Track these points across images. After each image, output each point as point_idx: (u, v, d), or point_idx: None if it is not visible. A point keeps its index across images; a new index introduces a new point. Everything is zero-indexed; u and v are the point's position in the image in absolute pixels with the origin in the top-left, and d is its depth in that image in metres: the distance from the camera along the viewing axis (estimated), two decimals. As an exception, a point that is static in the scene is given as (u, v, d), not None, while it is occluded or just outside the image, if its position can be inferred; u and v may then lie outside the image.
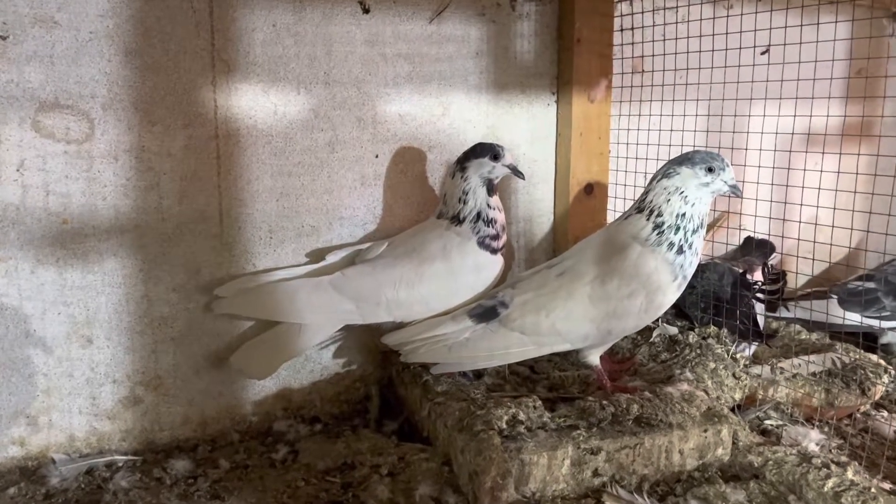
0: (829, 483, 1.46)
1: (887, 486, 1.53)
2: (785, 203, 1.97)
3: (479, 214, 1.80)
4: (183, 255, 1.74)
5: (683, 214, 1.59)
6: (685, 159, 1.61)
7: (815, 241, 1.84)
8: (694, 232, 1.60)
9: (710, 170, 1.59)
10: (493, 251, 1.82)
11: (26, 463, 1.67)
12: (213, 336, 1.79)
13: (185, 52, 1.67)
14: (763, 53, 1.82)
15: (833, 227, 1.76)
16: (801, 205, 1.89)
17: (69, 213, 1.62)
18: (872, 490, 1.44)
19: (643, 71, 2.11)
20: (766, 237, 2.28)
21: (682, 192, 1.59)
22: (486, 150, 1.79)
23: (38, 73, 1.55)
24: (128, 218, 1.67)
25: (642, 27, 2.08)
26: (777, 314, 2.21)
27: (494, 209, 1.82)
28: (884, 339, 2.26)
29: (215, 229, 1.76)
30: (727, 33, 1.88)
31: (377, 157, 1.92)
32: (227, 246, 1.78)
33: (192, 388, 1.79)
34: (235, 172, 1.76)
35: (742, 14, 1.86)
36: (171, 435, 1.79)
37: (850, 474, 1.49)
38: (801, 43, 1.75)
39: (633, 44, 2.09)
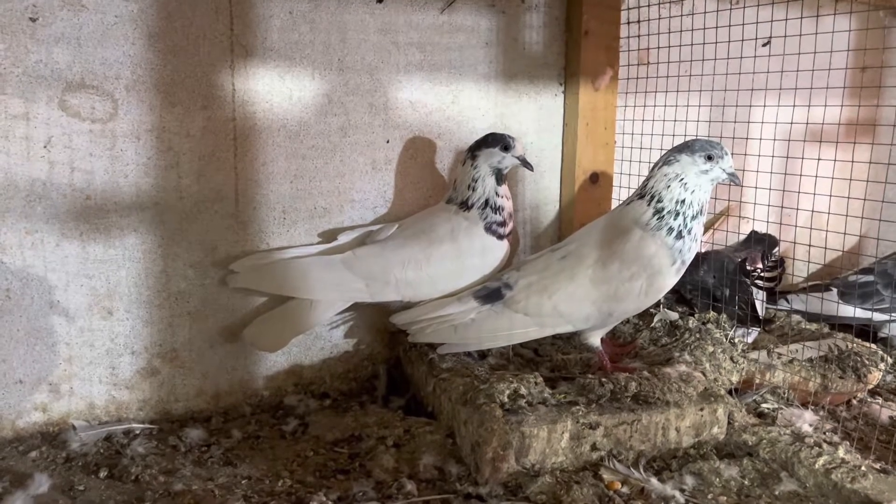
0: (821, 461, 1.51)
1: (878, 465, 1.57)
2: (783, 191, 2.01)
3: (487, 202, 1.86)
4: (200, 232, 1.80)
5: (683, 201, 1.64)
6: (685, 147, 1.66)
7: (815, 229, 1.88)
8: (693, 218, 1.65)
9: (709, 158, 1.63)
10: (500, 237, 1.88)
11: (48, 428, 1.74)
12: (228, 312, 1.86)
13: (204, 36, 1.74)
14: (764, 45, 1.86)
15: (842, 214, 1.79)
16: (803, 192, 1.93)
17: (92, 189, 1.69)
18: (863, 468, 1.49)
19: (649, 63, 2.16)
20: (769, 232, 2.32)
21: (682, 179, 1.64)
22: (498, 141, 1.85)
23: (65, 54, 1.62)
24: (148, 195, 1.74)
25: (648, 20, 2.13)
26: (777, 305, 2.25)
27: (502, 197, 1.88)
28: (883, 332, 2.30)
29: (231, 209, 1.83)
30: (726, 26, 1.92)
31: (388, 142, 1.98)
32: (243, 225, 1.84)
33: (206, 362, 1.86)
34: (251, 154, 1.83)
35: (745, 6, 1.90)
36: (186, 406, 1.85)
37: (841, 453, 1.54)
38: (800, 34, 1.79)
39: (639, 36, 2.14)
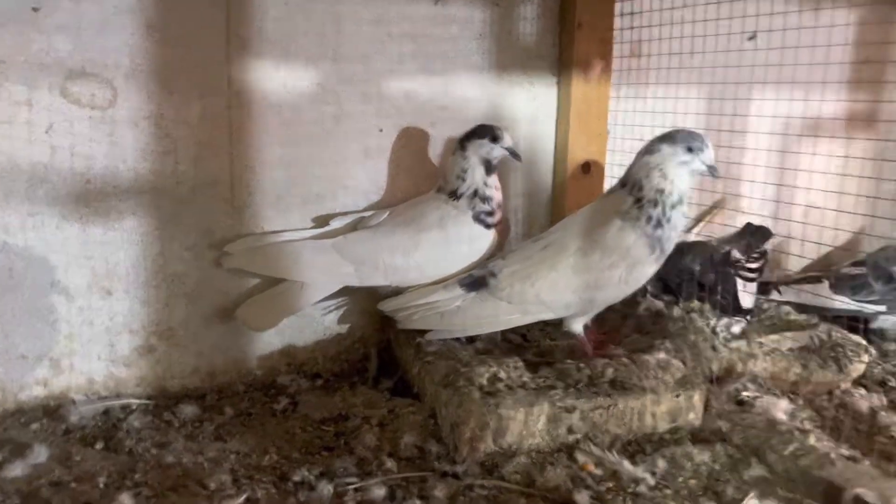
0: (790, 447, 1.54)
1: (848, 453, 1.60)
2: (777, 185, 2.03)
3: (476, 192, 1.90)
4: (196, 216, 1.86)
5: (662, 190, 1.67)
6: (667, 137, 1.69)
7: (808, 224, 1.89)
8: (672, 207, 1.68)
9: (689, 149, 1.66)
10: (488, 226, 1.92)
11: (48, 402, 1.81)
12: (223, 293, 1.92)
13: (202, 27, 1.79)
14: (750, 39, 1.87)
15: (834, 209, 1.80)
16: (798, 187, 1.95)
17: (92, 173, 1.75)
18: (832, 455, 1.52)
19: (642, 55, 2.18)
20: (764, 224, 2.33)
21: (662, 169, 1.67)
22: (486, 132, 1.88)
23: (66, 42, 1.68)
24: (146, 180, 1.80)
25: (642, 12, 2.14)
26: (768, 297, 2.27)
27: (491, 188, 1.92)
28: (874, 324, 2.31)
29: (227, 194, 1.88)
30: (723, 18, 1.93)
31: (381, 131, 2.02)
32: (238, 210, 1.90)
33: (201, 341, 1.92)
34: (247, 141, 1.88)
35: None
36: (182, 383, 1.92)
37: (811, 441, 1.57)
38: (800, 28, 1.80)
39: (632, 28, 2.16)
